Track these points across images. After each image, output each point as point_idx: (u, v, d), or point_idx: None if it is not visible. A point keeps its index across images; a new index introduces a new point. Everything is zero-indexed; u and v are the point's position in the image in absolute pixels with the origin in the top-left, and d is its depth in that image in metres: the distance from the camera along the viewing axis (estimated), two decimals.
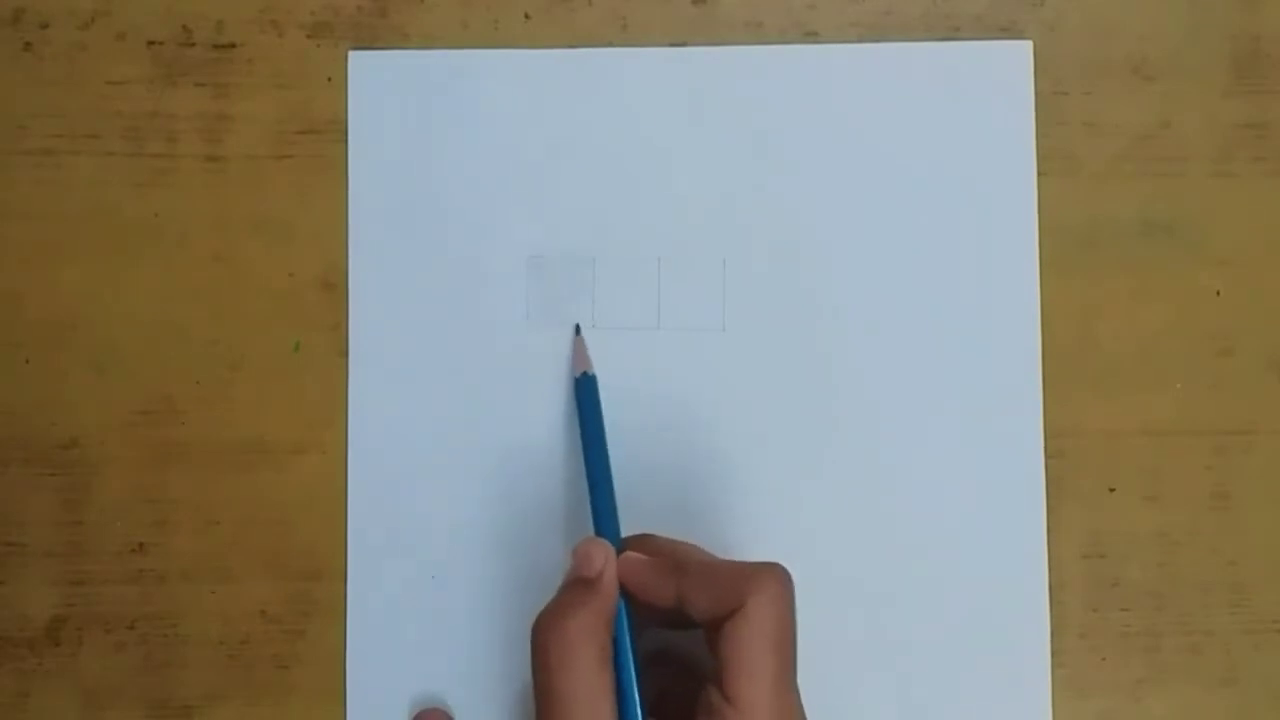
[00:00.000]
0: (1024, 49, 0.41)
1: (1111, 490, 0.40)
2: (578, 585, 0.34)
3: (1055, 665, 0.40)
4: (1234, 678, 0.40)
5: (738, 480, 0.40)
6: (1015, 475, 0.40)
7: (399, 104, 0.41)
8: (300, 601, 0.40)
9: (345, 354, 0.40)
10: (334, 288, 0.41)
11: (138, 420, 0.40)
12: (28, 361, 0.40)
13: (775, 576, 0.33)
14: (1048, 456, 0.40)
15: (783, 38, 0.41)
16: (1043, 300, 0.40)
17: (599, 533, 0.36)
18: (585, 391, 0.39)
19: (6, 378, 0.40)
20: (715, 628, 0.32)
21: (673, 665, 0.36)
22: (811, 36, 0.41)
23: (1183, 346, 0.41)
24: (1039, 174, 0.41)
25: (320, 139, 0.41)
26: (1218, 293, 0.41)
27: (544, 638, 0.33)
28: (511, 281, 0.40)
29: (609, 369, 0.40)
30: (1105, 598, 0.40)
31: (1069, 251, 0.41)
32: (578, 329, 0.40)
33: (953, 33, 0.41)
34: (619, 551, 0.35)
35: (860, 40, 0.41)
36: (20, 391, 0.40)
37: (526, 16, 0.41)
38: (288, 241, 0.41)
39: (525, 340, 0.40)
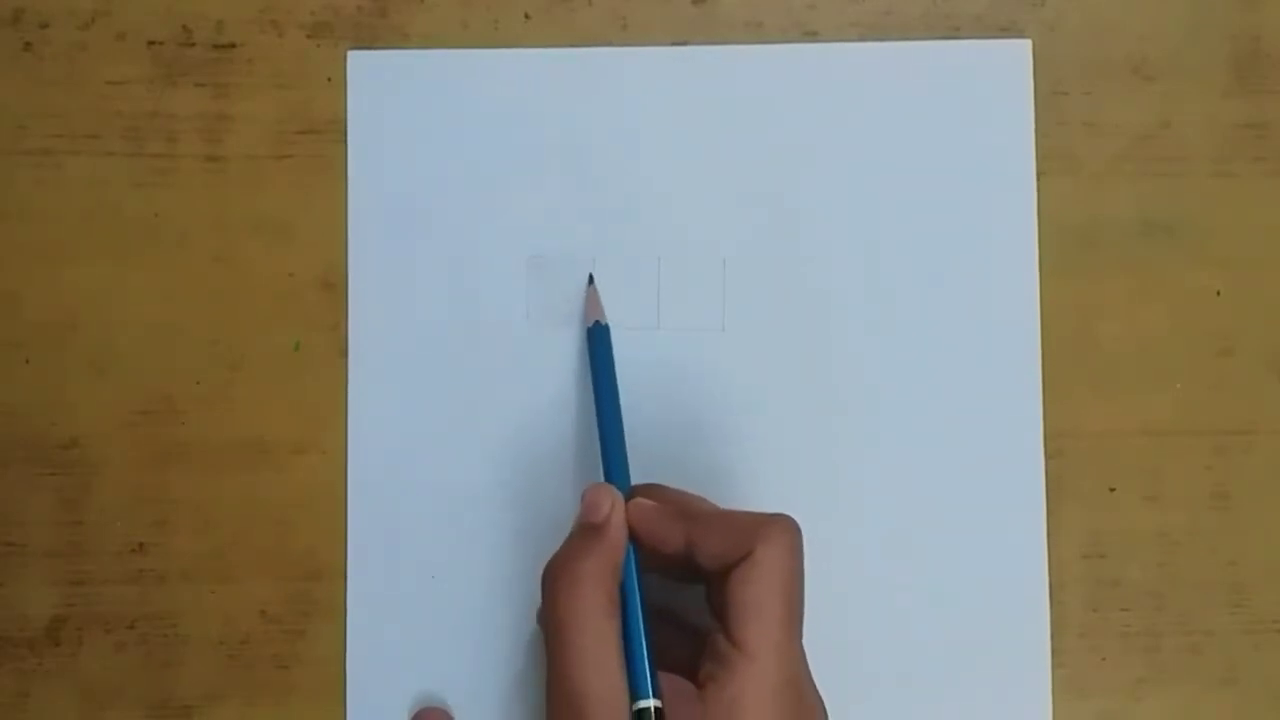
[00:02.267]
0: (1024, 49, 0.41)
1: (1111, 490, 0.40)
2: (586, 531, 0.34)
3: (1055, 665, 0.40)
4: (1234, 678, 0.40)
5: (737, 480, 0.40)
6: (1015, 475, 0.40)
7: (399, 104, 0.41)
8: (300, 601, 0.40)
9: (345, 354, 0.40)
10: (334, 288, 0.41)
11: (138, 420, 0.40)
12: (28, 361, 0.40)
13: (785, 527, 0.33)
14: (1048, 456, 0.40)
15: (783, 38, 0.41)
16: (1042, 300, 0.40)
17: (609, 480, 0.36)
18: (598, 341, 0.39)
19: (6, 378, 0.40)
20: (723, 576, 0.33)
21: (673, 624, 0.36)
22: (811, 36, 0.41)
23: (1183, 346, 0.41)
24: (1039, 174, 0.41)
25: (320, 139, 0.41)
26: (1218, 293, 0.41)
27: (552, 583, 0.33)
28: (511, 281, 0.40)
29: None
30: (1105, 598, 0.40)
31: (1069, 251, 0.41)
32: (591, 279, 0.40)
33: (953, 33, 0.41)
34: (628, 498, 0.35)
35: (860, 40, 0.41)
36: (20, 391, 0.40)
37: (526, 16, 0.41)
38: (288, 241, 0.41)
39: (525, 340, 0.40)
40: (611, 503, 0.34)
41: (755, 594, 0.32)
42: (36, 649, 0.40)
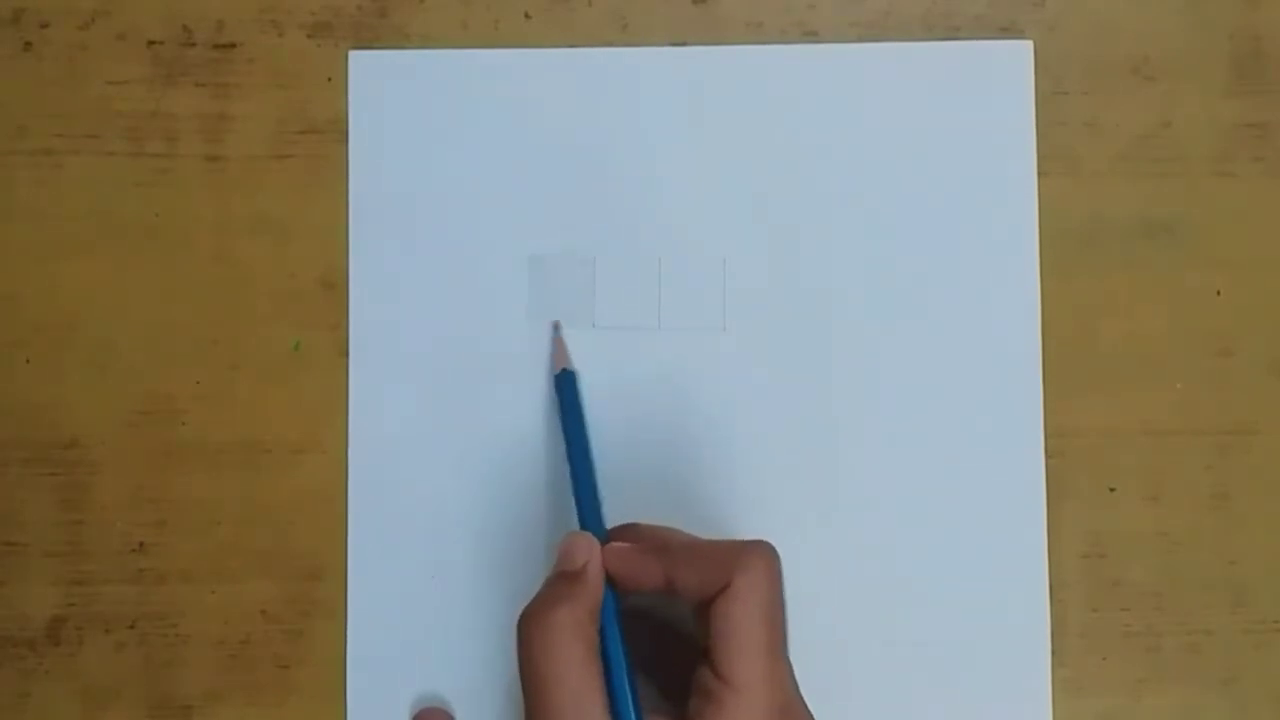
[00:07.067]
0: (1024, 49, 0.41)
1: (1111, 490, 0.40)
2: (562, 579, 0.34)
3: (1055, 665, 0.40)
4: (1234, 678, 0.40)
5: (737, 480, 0.40)
6: (1015, 475, 0.40)
7: (399, 104, 0.41)
8: (300, 601, 0.40)
9: (345, 354, 0.40)
10: (334, 288, 0.41)
11: (138, 420, 0.40)
12: (28, 361, 0.40)
13: (761, 553, 0.33)
14: (1048, 456, 0.40)
15: (783, 38, 0.41)
16: (1043, 300, 0.40)
17: (584, 527, 0.36)
18: (566, 388, 0.39)
19: (6, 378, 0.40)
20: (704, 607, 0.32)
21: (659, 623, 0.36)
22: (811, 36, 0.41)
23: (1183, 346, 0.41)
24: (1039, 174, 0.41)
25: (320, 139, 0.41)
26: (1218, 293, 0.41)
27: (529, 632, 0.33)
28: (511, 281, 0.40)
29: (609, 369, 0.40)
30: (1105, 598, 0.40)
31: (1069, 251, 0.41)
32: (556, 327, 0.40)
33: (953, 33, 0.41)
34: (604, 543, 0.35)
35: (860, 40, 0.41)
36: (20, 391, 0.40)
37: (526, 16, 0.41)
38: (288, 241, 0.41)
39: (525, 340, 0.40)
40: (589, 550, 0.34)
41: (737, 625, 0.32)
42: (36, 649, 0.40)
